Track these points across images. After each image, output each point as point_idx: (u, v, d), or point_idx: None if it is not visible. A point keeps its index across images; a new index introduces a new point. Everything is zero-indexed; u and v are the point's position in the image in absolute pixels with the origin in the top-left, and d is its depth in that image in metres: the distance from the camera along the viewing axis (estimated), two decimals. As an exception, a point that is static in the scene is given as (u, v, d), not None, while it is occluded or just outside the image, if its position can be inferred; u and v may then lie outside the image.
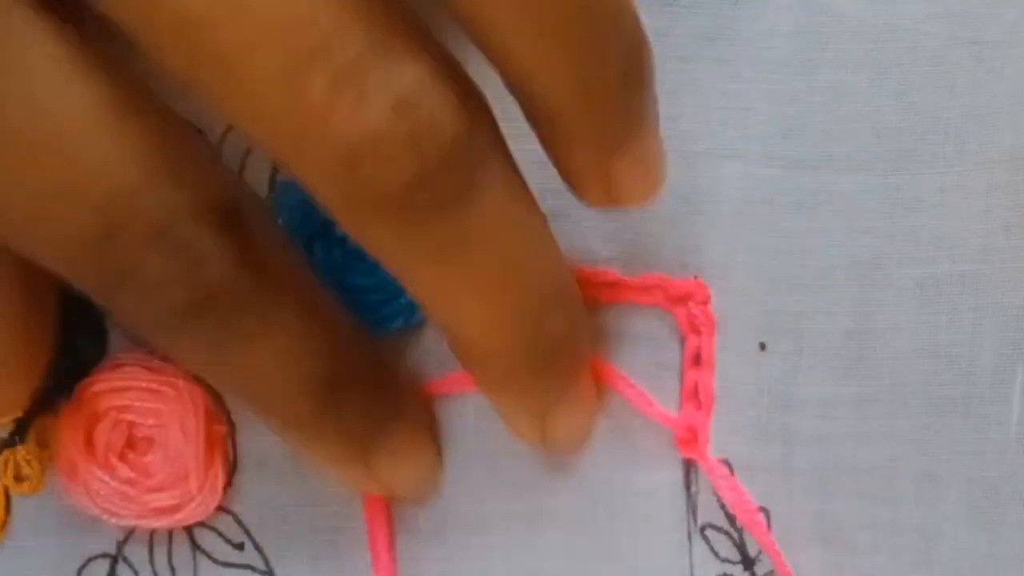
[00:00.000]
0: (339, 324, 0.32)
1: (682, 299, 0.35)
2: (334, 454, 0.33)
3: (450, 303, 0.29)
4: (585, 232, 0.35)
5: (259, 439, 0.36)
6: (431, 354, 0.36)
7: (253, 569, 0.37)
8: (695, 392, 0.35)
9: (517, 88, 0.28)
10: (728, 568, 0.36)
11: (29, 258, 0.28)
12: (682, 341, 0.36)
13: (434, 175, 0.26)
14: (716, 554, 0.36)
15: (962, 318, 0.35)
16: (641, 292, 0.35)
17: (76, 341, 0.37)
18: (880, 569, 0.36)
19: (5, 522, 0.37)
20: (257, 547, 0.37)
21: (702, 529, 0.36)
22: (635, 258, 0.35)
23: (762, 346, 0.35)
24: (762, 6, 0.35)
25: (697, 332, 0.35)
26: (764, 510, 0.36)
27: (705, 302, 0.35)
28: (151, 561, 0.37)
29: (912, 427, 0.35)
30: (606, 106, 0.28)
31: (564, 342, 0.31)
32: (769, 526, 0.36)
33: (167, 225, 0.27)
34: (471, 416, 0.36)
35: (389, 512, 0.36)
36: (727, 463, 0.36)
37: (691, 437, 0.35)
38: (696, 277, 0.35)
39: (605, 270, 0.35)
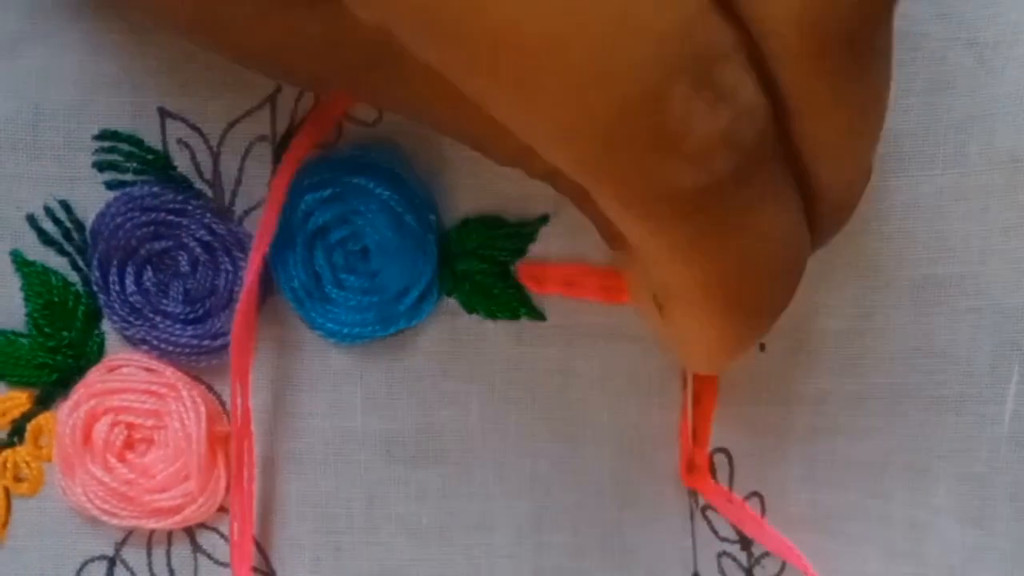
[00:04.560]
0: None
1: (682, 299, 0.36)
2: (732, 340, 0.29)
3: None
4: (589, 233, 0.35)
5: (261, 440, 0.36)
6: (431, 355, 0.36)
7: (255, 569, 0.37)
8: (700, 396, 0.36)
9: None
10: (727, 547, 0.37)
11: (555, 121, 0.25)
12: (682, 341, 0.36)
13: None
14: (716, 533, 0.37)
15: (960, 319, 0.35)
16: (642, 294, 0.36)
17: (74, 339, 0.37)
18: (870, 558, 0.37)
19: (5, 523, 0.37)
20: (259, 547, 0.37)
21: (703, 509, 0.37)
22: (635, 259, 0.36)
23: (761, 347, 0.36)
24: (761, 8, 0.35)
25: (698, 334, 0.36)
26: (759, 495, 0.37)
27: (705, 303, 0.36)
28: (149, 564, 0.37)
29: (906, 424, 0.36)
30: None
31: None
32: (764, 511, 0.37)
33: (714, 67, 0.24)
34: (476, 417, 0.36)
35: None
36: (726, 452, 0.36)
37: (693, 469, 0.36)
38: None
39: (607, 271, 0.36)
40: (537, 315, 0.36)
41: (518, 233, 0.36)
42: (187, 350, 0.36)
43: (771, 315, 0.29)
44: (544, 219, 0.36)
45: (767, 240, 0.27)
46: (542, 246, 0.36)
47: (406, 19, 0.25)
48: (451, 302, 0.36)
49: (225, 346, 0.36)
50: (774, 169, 0.27)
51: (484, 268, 0.36)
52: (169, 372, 0.36)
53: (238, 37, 0.31)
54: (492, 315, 0.36)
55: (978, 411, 0.36)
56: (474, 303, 0.36)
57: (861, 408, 0.36)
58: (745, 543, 0.37)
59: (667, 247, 0.27)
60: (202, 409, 0.36)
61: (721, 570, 0.37)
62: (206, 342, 0.36)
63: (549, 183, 0.32)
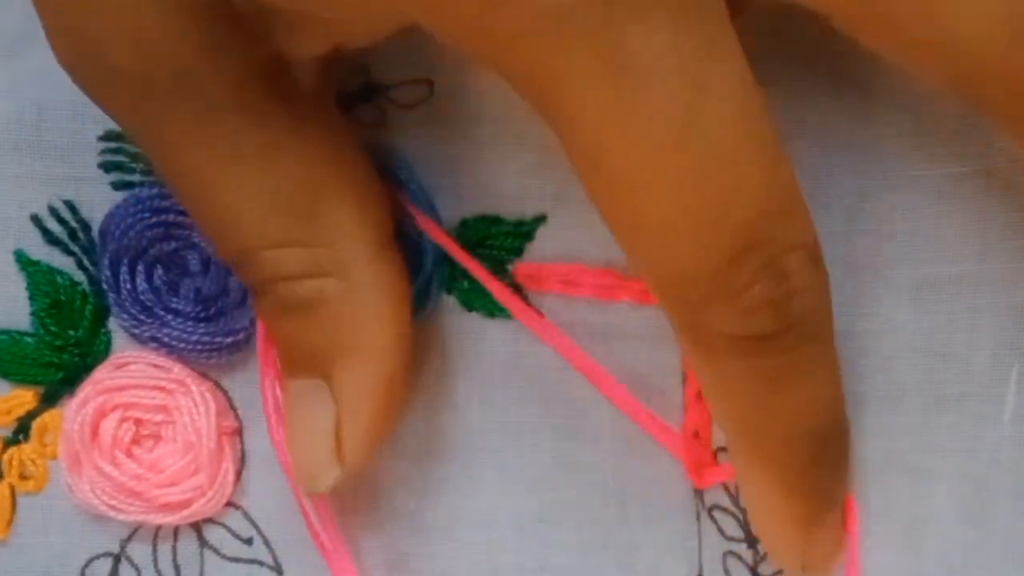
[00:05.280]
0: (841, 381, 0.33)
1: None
2: (793, 512, 0.33)
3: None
4: (585, 233, 0.36)
5: (266, 437, 0.37)
6: (431, 353, 0.37)
7: (261, 564, 0.37)
8: (699, 393, 0.36)
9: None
10: (734, 546, 0.37)
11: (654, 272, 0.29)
12: (682, 340, 0.36)
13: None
14: (722, 533, 0.37)
15: (959, 318, 0.35)
16: (640, 293, 0.36)
17: (81, 338, 0.37)
18: (871, 555, 0.37)
19: (11, 520, 0.37)
20: (266, 541, 0.37)
21: (710, 510, 0.37)
22: (634, 260, 0.36)
23: (761, 344, 0.36)
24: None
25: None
26: None
27: (704, 302, 0.36)
28: (154, 559, 0.37)
29: (907, 424, 0.36)
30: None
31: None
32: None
33: (783, 255, 0.29)
34: (477, 414, 0.37)
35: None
36: (725, 450, 0.37)
37: (699, 467, 0.37)
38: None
39: (605, 270, 0.36)
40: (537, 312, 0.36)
41: (516, 232, 0.36)
42: (198, 347, 0.36)
43: (807, 478, 0.33)
44: (542, 219, 0.36)
45: (798, 404, 0.31)
46: (540, 245, 0.36)
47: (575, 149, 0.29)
48: (450, 301, 0.36)
49: (236, 343, 0.36)
50: (821, 350, 0.31)
51: (482, 267, 0.36)
52: (177, 368, 0.37)
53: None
54: (491, 313, 0.36)
55: (979, 411, 0.36)
56: (472, 301, 0.36)
57: (861, 408, 0.36)
58: (751, 541, 0.37)
59: (713, 381, 0.31)
60: (211, 404, 0.36)
61: (726, 569, 0.37)
62: (218, 339, 0.36)
63: None
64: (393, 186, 0.36)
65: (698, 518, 0.37)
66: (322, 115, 0.33)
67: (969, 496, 0.36)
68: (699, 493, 0.37)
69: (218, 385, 0.37)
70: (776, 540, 0.34)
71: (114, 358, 0.37)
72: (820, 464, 0.33)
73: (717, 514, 0.37)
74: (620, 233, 0.29)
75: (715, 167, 0.28)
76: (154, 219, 0.36)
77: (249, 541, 0.37)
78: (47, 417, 0.37)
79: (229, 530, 0.37)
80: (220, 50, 0.30)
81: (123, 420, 0.37)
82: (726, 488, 0.37)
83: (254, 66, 0.31)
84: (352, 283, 0.32)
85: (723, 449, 0.37)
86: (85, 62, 0.31)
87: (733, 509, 0.37)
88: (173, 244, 0.36)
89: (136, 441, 0.37)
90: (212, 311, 0.36)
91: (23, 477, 0.37)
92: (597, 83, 0.27)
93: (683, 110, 0.27)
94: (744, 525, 0.37)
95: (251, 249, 0.32)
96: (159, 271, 0.37)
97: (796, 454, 0.32)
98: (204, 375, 0.37)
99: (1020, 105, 0.29)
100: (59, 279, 0.37)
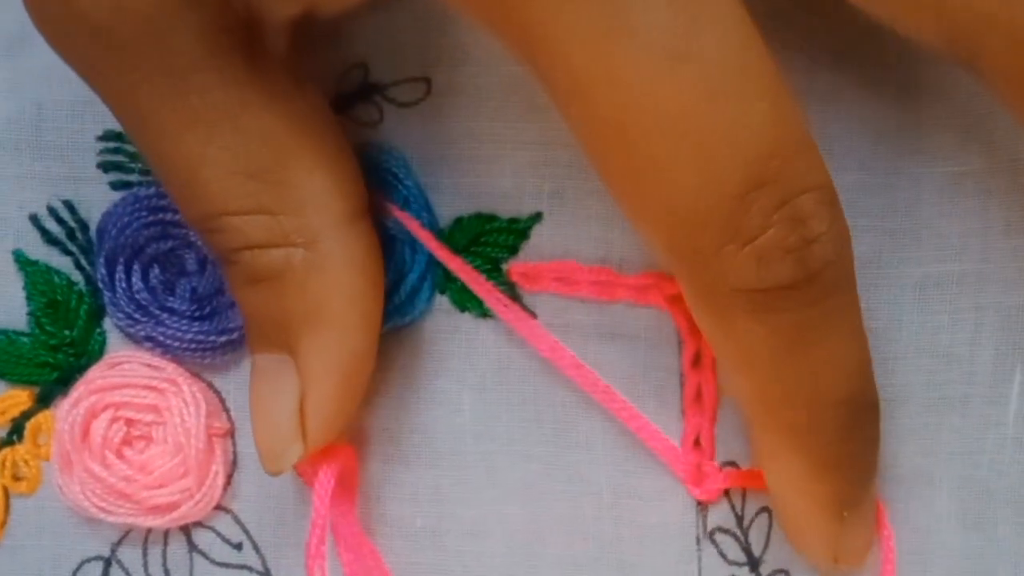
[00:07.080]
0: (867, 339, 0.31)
1: (679, 298, 0.35)
2: (823, 493, 0.32)
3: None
4: (581, 231, 0.35)
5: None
6: (423, 353, 0.36)
7: (250, 569, 0.37)
8: (698, 395, 0.35)
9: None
10: (735, 570, 0.36)
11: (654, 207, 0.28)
12: (680, 341, 0.36)
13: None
14: (724, 557, 0.36)
15: (963, 318, 0.35)
16: (637, 291, 0.35)
17: (76, 337, 0.37)
18: (872, 562, 0.35)
19: (4, 522, 0.37)
20: (255, 547, 0.37)
21: (711, 533, 0.36)
22: (631, 257, 0.35)
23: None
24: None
25: (695, 334, 0.35)
26: (768, 510, 0.36)
27: (704, 302, 0.35)
28: (144, 563, 0.37)
29: (911, 426, 0.35)
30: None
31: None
32: (771, 522, 0.36)
33: (797, 195, 0.28)
34: (468, 417, 0.36)
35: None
36: (733, 464, 0.36)
37: (699, 478, 0.36)
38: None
39: (601, 268, 0.35)
40: (529, 313, 0.36)
41: (511, 230, 0.36)
42: (193, 345, 0.36)
43: (838, 453, 0.31)
44: (537, 217, 0.35)
45: (824, 368, 0.30)
46: (535, 244, 0.36)
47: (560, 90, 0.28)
48: (443, 300, 0.36)
49: (231, 343, 0.36)
50: (846, 305, 0.30)
51: (477, 265, 0.36)
52: (170, 368, 0.36)
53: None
54: (484, 314, 0.36)
55: (982, 412, 0.35)
56: (466, 301, 0.36)
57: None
58: (754, 564, 0.36)
59: (730, 349, 0.30)
60: (202, 405, 0.36)
61: None
62: (212, 338, 0.36)
63: None
64: (384, 188, 0.35)
65: (698, 541, 0.36)
66: (292, 82, 0.32)
67: (971, 500, 0.35)
68: (701, 513, 0.36)
69: (212, 387, 0.37)
70: (805, 528, 0.33)
71: (108, 358, 0.37)
72: (851, 437, 0.31)
73: (719, 536, 0.36)
74: (617, 182, 0.28)
75: (715, 96, 0.27)
76: (151, 218, 0.36)
77: (239, 546, 0.37)
78: (41, 418, 0.37)
79: (219, 535, 0.37)
80: (191, 3, 0.30)
81: (114, 420, 0.36)
82: (732, 507, 0.36)
83: (225, 24, 0.30)
84: (319, 254, 0.32)
85: (730, 463, 0.36)
86: (51, 5, 0.31)
87: (736, 531, 0.36)
88: (169, 243, 0.36)
89: (127, 442, 0.37)
90: (207, 310, 0.36)
91: (16, 478, 0.37)
92: (582, 13, 0.26)
93: (676, 36, 0.26)
94: (747, 548, 0.36)
95: (217, 214, 0.32)
96: (155, 270, 0.36)
97: (825, 426, 0.30)
98: (198, 376, 0.37)
99: (1018, 58, 0.28)
100: (56, 279, 0.37)
